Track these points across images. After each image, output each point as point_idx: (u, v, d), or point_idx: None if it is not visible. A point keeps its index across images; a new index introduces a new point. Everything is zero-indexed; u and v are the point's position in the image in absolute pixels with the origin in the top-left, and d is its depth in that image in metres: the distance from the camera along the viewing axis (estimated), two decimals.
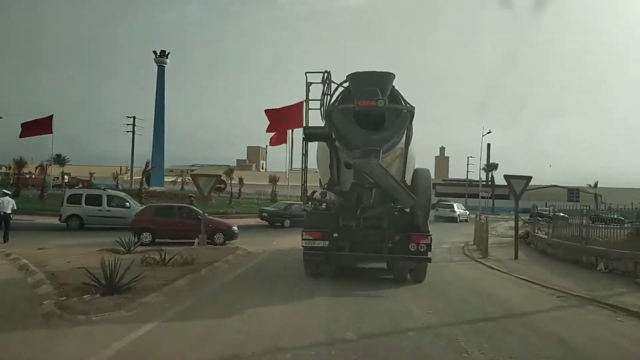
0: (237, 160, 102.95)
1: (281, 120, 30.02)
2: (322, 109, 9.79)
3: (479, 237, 18.90)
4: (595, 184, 68.89)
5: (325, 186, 10.29)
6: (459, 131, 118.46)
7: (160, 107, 45.17)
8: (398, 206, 9.76)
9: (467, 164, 68.74)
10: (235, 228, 17.73)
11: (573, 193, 55.26)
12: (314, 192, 10.84)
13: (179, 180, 54.18)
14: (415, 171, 10.02)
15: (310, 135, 9.67)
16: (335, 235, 9.29)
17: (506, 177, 14.93)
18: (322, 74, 9.70)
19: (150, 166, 33.99)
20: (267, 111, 30.29)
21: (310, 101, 9.90)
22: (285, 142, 32.90)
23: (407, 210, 9.76)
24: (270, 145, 35.09)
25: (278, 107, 30.53)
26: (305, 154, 10.15)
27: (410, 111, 8.93)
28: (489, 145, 71.57)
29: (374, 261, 10.96)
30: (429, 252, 9.44)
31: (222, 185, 30.43)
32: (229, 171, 37.83)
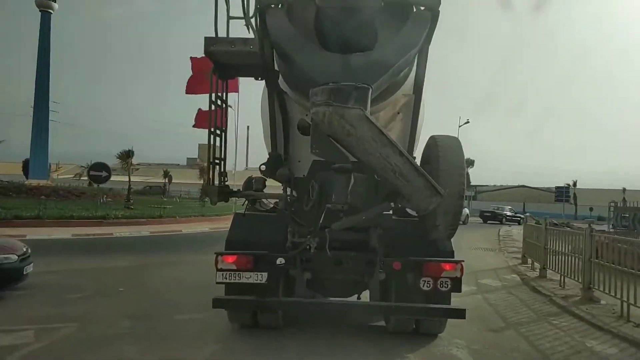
0: (187, 158, 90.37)
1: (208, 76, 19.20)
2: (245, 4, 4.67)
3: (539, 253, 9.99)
4: (575, 183, 63.67)
5: (263, 168, 5.41)
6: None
7: (43, 67, 32.22)
8: (402, 206, 5.13)
9: None
10: (12, 257, 7.06)
11: (562, 192, 47.75)
12: (250, 179, 5.73)
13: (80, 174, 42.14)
14: (433, 141, 4.94)
15: (219, 58, 4.95)
16: (280, 261, 5.02)
17: None
18: None
19: None
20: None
21: None
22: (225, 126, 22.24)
23: (415, 214, 5.08)
24: (195, 126, 23.51)
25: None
26: (220, 105, 5.38)
27: (432, 9, 4.66)
28: None
29: (355, 311, 5.82)
30: (451, 295, 5.24)
31: (102, 174, 19.54)
32: (124, 155, 26.51)
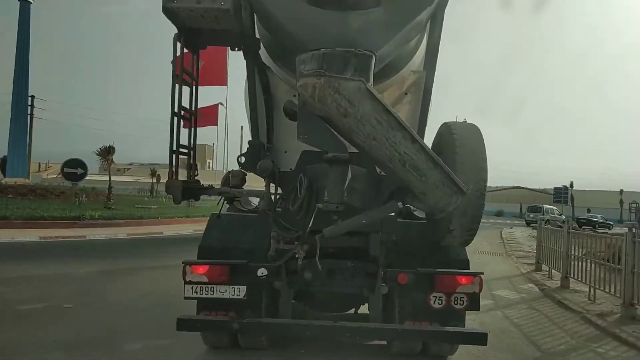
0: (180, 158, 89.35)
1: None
2: None
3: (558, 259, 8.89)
4: (571, 184, 62.90)
5: (241, 160, 4.77)
6: None
7: (22, 60, 30.51)
8: (408, 206, 4.60)
9: None
10: None
11: (561, 193, 46.88)
12: (228, 173, 5.25)
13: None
14: (447, 129, 4.07)
15: (184, 20, 4.10)
16: (262, 273, 4.24)
17: None
18: None
19: None
20: None
21: None
22: (215, 124, 20.61)
23: (423, 216, 4.65)
24: (184, 127, 21.05)
25: None
26: (189, 83, 4.63)
27: None
28: None
29: (353, 334, 4.46)
30: (465, 313, 4.51)
31: (77, 171, 18.18)
32: (104, 152, 25.18)
